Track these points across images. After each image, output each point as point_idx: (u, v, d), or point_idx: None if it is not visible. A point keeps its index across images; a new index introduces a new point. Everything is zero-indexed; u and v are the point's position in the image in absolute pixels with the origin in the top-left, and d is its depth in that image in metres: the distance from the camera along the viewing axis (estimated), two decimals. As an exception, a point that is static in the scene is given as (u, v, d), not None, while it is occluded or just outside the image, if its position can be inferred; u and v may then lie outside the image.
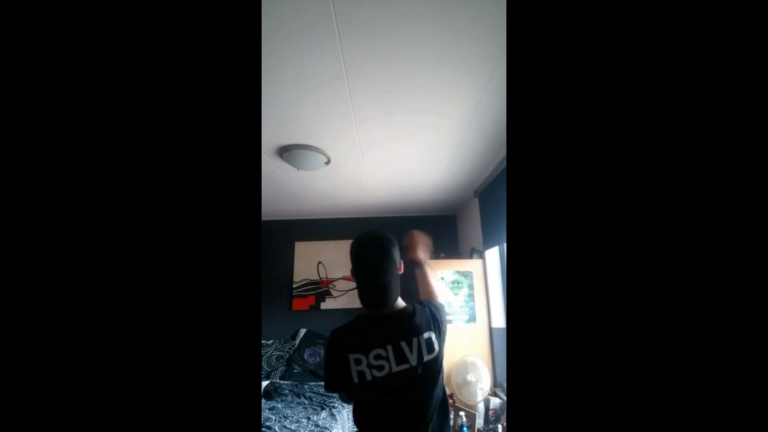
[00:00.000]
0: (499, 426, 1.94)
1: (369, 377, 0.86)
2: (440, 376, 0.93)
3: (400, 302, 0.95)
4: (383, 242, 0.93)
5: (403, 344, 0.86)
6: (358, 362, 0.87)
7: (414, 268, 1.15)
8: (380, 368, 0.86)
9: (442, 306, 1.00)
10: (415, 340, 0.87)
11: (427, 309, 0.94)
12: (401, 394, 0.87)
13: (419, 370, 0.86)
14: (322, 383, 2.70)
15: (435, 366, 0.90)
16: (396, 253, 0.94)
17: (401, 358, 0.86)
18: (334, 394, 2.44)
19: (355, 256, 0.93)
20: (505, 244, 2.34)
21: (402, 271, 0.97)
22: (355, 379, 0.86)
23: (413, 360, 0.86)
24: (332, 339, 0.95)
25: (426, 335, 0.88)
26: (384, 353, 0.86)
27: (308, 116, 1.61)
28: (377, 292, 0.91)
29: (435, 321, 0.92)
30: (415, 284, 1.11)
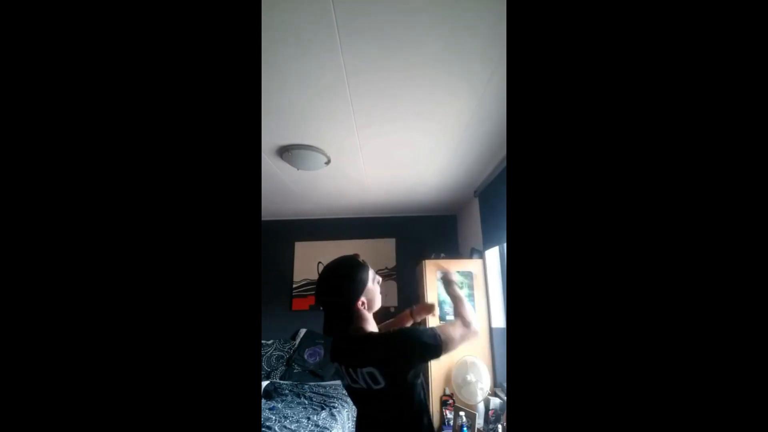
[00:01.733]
0: (499, 426, 1.94)
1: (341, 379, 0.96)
2: (406, 407, 0.88)
3: (368, 328, 0.94)
4: (340, 278, 0.92)
5: (351, 370, 0.89)
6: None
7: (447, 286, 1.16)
8: (342, 377, 0.93)
9: (413, 339, 0.88)
10: (358, 370, 0.87)
11: (387, 342, 0.88)
12: (367, 405, 0.93)
13: (372, 393, 0.87)
14: (322, 383, 2.71)
15: (388, 397, 0.87)
16: (356, 287, 0.91)
17: (353, 379, 0.90)
18: (334, 394, 2.45)
19: (316, 287, 0.96)
20: (505, 244, 2.34)
21: (364, 306, 0.94)
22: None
23: (363, 384, 0.88)
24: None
25: (368, 369, 0.85)
26: (342, 370, 0.92)
27: (308, 116, 1.61)
28: (329, 324, 0.94)
29: (384, 357, 0.86)
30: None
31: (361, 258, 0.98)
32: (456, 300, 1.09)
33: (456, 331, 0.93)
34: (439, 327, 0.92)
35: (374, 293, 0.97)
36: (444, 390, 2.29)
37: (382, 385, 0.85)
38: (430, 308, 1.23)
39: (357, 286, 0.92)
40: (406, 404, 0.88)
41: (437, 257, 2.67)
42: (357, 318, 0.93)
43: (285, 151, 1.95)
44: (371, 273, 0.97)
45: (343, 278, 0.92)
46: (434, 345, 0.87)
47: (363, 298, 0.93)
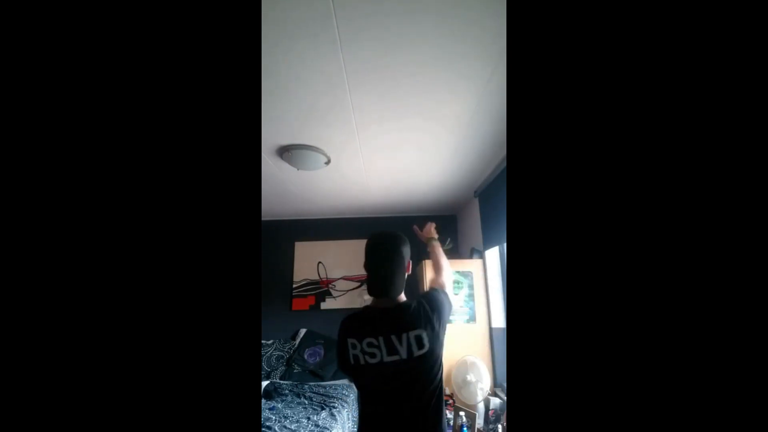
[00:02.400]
0: (499, 426, 1.94)
1: (362, 362, 0.94)
2: (436, 373, 0.94)
3: (402, 297, 1.01)
4: (393, 240, 1.02)
5: (393, 337, 0.92)
6: (353, 346, 0.95)
7: (427, 245, 1.32)
8: (372, 355, 0.93)
9: (441, 300, 1.01)
10: (404, 335, 0.92)
11: (423, 305, 0.97)
12: (393, 383, 0.93)
13: (410, 364, 0.91)
14: (322, 383, 2.71)
15: (428, 362, 0.93)
16: (405, 252, 1.01)
17: (392, 350, 0.92)
18: (334, 394, 2.45)
19: (368, 249, 1.03)
20: (505, 244, 2.34)
21: (410, 272, 1.03)
22: (352, 362, 0.95)
23: (403, 353, 0.91)
24: (340, 324, 1.03)
25: (416, 332, 0.92)
26: (376, 342, 0.93)
27: (308, 116, 1.61)
28: (380, 282, 0.99)
29: (428, 318, 0.94)
30: (419, 279, 1.12)
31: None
32: (436, 263, 1.22)
33: (442, 280, 1.11)
34: (437, 285, 1.09)
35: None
36: (444, 390, 2.29)
37: (426, 348, 0.91)
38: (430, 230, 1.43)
39: (407, 254, 1.03)
40: (439, 370, 0.95)
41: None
42: (403, 284, 1.01)
43: (285, 151, 1.94)
44: None
45: (399, 245, 1.02)
46: (449, 300, 1.04)
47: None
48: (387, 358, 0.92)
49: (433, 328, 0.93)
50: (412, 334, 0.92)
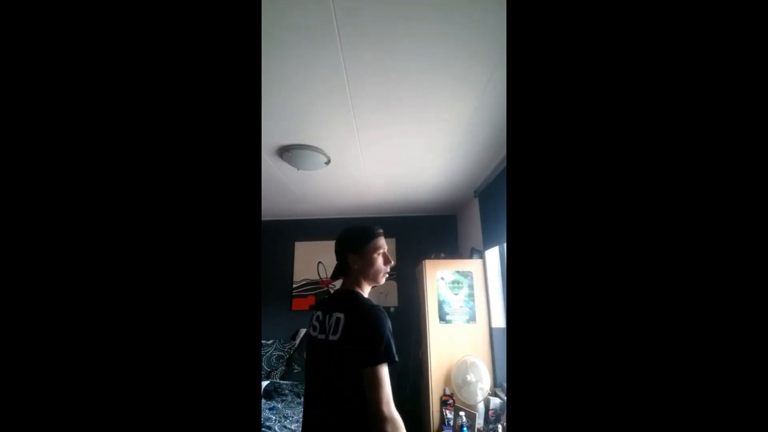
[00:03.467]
0: (499, 426, 1.94)
1: (311, 333, 1.02)
2: (350, 372, 0.83)
3: (350, 286, 1.02)
4: (344, 231, 1.07)
5: (328, 317, 0.96)
6: (312, 317, 1.05)
7: None
8: (314, 328, 1.01)
9: (378, 315, 0.89)
10: (331, 315, 0.95)
11: (362, 310, 0.91)
12: (319, 362, 0.96)
13: (328, 345, 0.92)
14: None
15: (338, 351, 0.86)
16: (351, 239, 1.03)
17: (323, 328, 0.97)
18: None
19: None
20: (505, 244, 2.34)
21: (356, 266, 1.01)
22: (311, 333, 1.03)
23: (324, 333, 0.96)
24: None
25: (337, 314, 0.92)
26: (321, 317, 1.00)
27: (308, 116, 1.61)
28: (337, 267, 1.08)
29: (354, 313, 0.90)
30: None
31: (380, 230, 1.05)
32: None
33: (381, 393, 0.81)
34: (382, 376, 0.82)
35: (369, 259, 1.01)
36: (444, 390, 2.29)
37: (338, 336, 0.89)
38: None
39: (353, 241, 1.03)
40: (356, 376, 0.83)
41: (437, 257, 2.67)
42: (349, 270, 1.03)
43: (285, 151, 1.94)
44: (376, 242, 1.02)
45: (346, 232, 1.06)
46: (382, 354, 0.83)
47: (356, 257, 1.01)
48: (319, 336, 0.97)
49: (354, 316, 0.88)
50: (335, 315, 0.92)
